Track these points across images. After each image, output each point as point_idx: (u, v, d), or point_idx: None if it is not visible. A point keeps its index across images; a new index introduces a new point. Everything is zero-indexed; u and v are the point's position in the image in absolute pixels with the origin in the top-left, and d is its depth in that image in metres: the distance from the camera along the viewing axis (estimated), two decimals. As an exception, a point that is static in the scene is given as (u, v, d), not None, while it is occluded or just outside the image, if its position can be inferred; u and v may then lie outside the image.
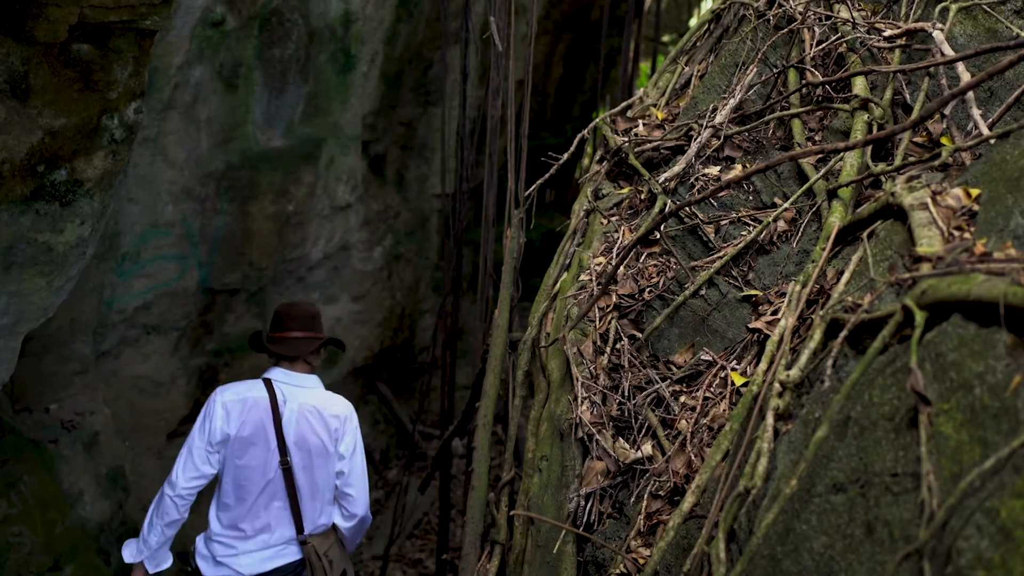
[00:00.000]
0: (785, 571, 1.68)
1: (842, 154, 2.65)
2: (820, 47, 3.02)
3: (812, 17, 3.11)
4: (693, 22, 8.95)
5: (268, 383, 3.24)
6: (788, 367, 2.04)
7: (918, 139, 2.67)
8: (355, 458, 3.29)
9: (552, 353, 2.89)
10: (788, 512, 1.73)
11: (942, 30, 2.69)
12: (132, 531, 4.00)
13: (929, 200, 2.01)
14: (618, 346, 2.70)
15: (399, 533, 5.58)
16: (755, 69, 3.09)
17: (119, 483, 4.35)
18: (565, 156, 3.47)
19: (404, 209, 6.53)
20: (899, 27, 2.91)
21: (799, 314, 2.23)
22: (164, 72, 4.24)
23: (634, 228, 3.04)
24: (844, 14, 3.07)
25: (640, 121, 3.47)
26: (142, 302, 4.71)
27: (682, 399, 2.51)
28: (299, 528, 3.23)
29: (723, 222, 2.83)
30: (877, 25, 3.00)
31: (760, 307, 2.55)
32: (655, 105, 3.58)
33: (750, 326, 2.51)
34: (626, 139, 3.30)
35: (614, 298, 2.81)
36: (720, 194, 2.86)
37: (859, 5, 3.15)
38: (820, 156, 2.74)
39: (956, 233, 1.91)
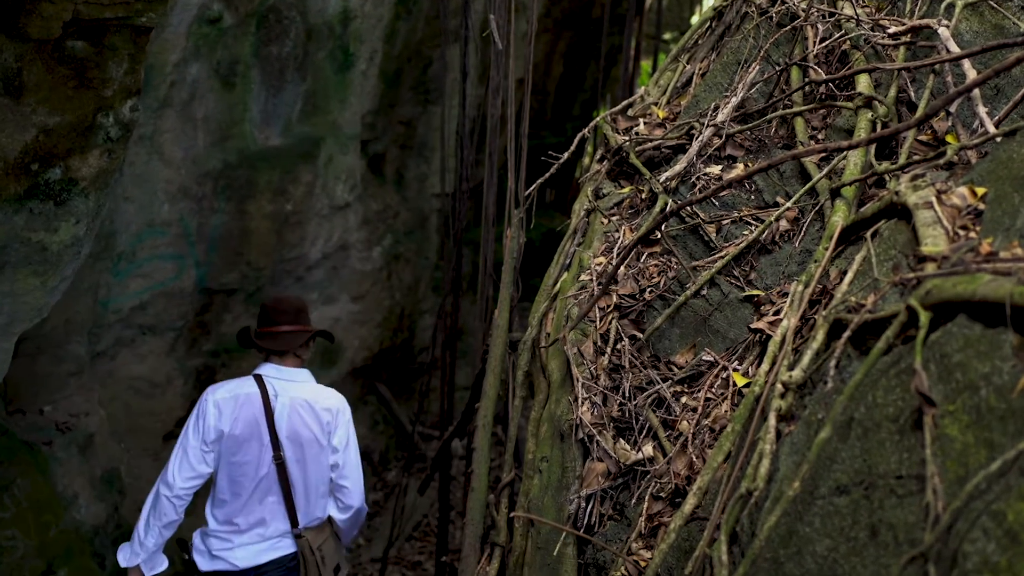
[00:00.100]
0: (788, 574, 1.67)
1: (845, 153, 2.63)
2: (823, 44, 3.01)
3: (815, 14, 3.09)
4: (695, 20, 8.95)
5: (259, 379, 3.27)
6: (790, 368, 2.04)
7: (923, 137, 2.66)
8: (348, 450, 3.32)
9: (552, 353, 2.89)
10: (791, 514, 1.72)
11: (947, 27, 2.68)
12: (127, 534, 3.98)
13: (934, 199, 2.00)
14: (619, 346, 2.70)
15: (398, 535, 5.57)
16: (757, 67, 3.08)
17: (114, 485, 4.34)
18: (565, 155, 3.48)
19: (403, 209, 6.52)
20: (904, 24, 2.90)
21: (801, 314, 2.23)
22: (160, 70, 4.23)
23: (635, 228, 3.03)
24: (848, 11, 3.05)
25: (641, 120, 3.46)
26: (138, 302, 4.70)
27: (683, 400, 2.51)
28: (293, 522, 3.25)
29: (725, 221, 2.82)
30: (881, 22, 2.98)
31: (762, 307, 2.54)
32: (656, 104, 3.57)
33: (752, 326, 2.50)
34: (627, 138, 3.29)
35: (615, 298, 2.80)
36: (722, 193, 2.86)
37: (863, 2, 3.14)
38: (823, 155, 2.73)
39: (961, 232, 1.90)
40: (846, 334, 1.86)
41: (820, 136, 2.91)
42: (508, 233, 3.75)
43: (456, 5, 5.64)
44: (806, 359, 1.97)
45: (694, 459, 2.33)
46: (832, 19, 3.07)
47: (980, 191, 1.97)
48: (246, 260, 5.20)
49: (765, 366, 2.15)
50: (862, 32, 2.96)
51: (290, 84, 5.07)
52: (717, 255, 2.75)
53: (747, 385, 2.37)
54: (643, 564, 2.22)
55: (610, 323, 2.76)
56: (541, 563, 2.48)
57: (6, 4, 2.51)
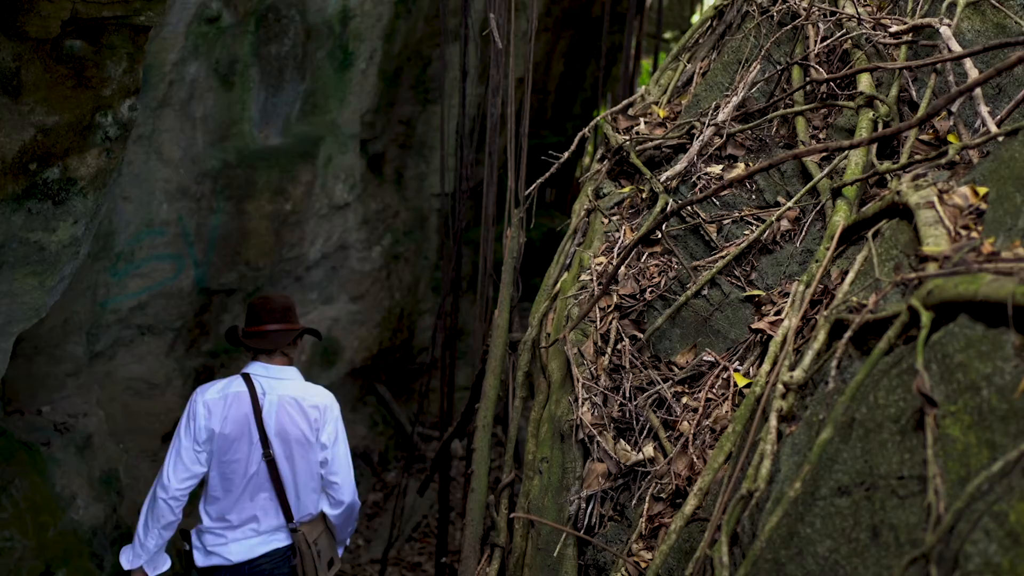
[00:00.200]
0: (789, 575, 1.66)
1: (847, 152, 2.63)
2: (824, 44, 3.00)
3: (816, 13, 3.09)
4: (695, 19, 8.94)
5: (247, 378, 3.31)
6: (792, 368, 2.04)
7: (924, 137, 2.65)
8: (337, 446, 3.34)
9: (552, 354, 2.88)
10: (792, 515, 1.72)
11: (949, 26, 2.67)
12: (126, 535, 3.99)
13: (935, 199, 2.00)
14: (619, 347, 2.69)
15: (398, 536, 5.56)
16: (758, 66, 3.07)
17: (113, 486, 4.33)
18: (566, 155, 3.48)
19: (403, 208, 6.51)
20: (905, 23, 2.89)
21: (803, 314, 2.22)
22: (159, 69, 4.22)
23: (635, 227, 3.02)
24: (849, 10, 3.05)
25: (642, 119, 3.45)
26: (137, 302, 4.69)
27: (684, 400, 2.50)
28: (288, 517, 3.30)
29: (725, 221, 2.81)
30: (883, 21, 2.97)
31: (763, 307, 2.54)
32: (657, 103, 3.56)
33: (753, 327, 2.50)
34: (627, 137, 3.29)
35: (615, 298, 2.80)
36: (722, 193, 2.85)
37: (864, 1, 3.13)
38: (824, 154, 2.72)
39: (963, 232, 1.90)
40: (847, 334, 1.86)
41: (821, 135, 2.90)
42: (508, 233, 3.74)
43: (456, 4, 5.63)
44: (807, 359, 1.98)
45: (695, 460, 2.33)
46: (833, 18, 3.06)
47: (982, 191, 1.97)
48: (245, 260, 5.19)
49: (766, 366, 2.15)
50: (863, 31, 2.96)
51: (289, 83, 5.06)
52: (718, 255, 2.74)
53: (748, 385, 2.37)
54: (644, 565, 2.22)
55: (610, 323, 2.75)
56: (541, 564, 2.48)
57: (4, 3, 2.50)
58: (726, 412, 2.38)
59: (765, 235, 2.67)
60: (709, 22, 3.74)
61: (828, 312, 2.04)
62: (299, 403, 3.29)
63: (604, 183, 3.33)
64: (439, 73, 5.74)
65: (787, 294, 2.48)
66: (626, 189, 3.24)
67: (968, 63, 2.55)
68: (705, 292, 2.67)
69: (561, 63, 8.03)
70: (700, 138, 2.99)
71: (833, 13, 3.08)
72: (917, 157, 2.42)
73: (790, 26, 3.12)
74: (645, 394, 2.55)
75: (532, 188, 3.52)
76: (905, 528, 1.48)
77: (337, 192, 5.66)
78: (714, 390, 2.48)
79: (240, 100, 4.82)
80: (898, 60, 2.85)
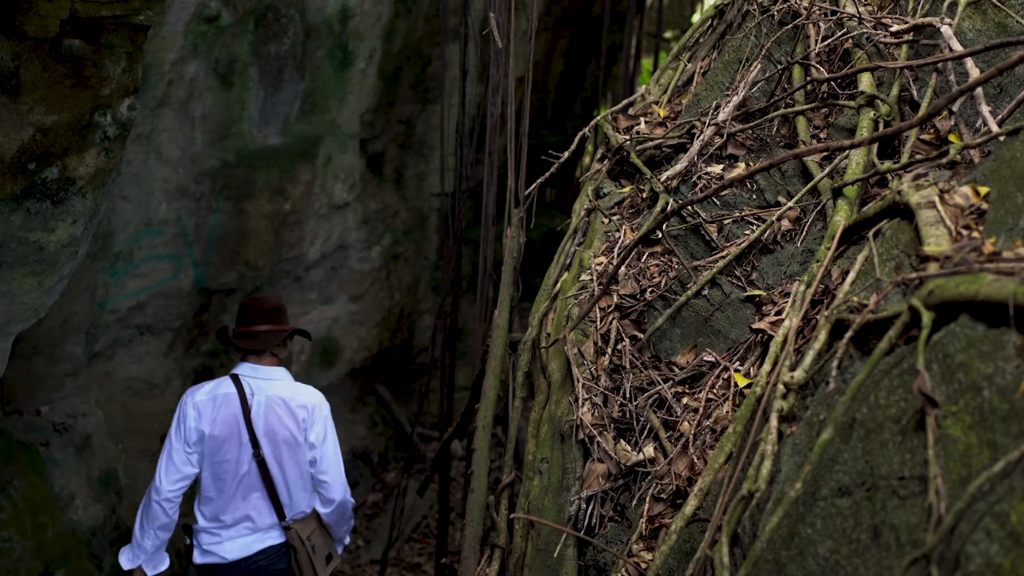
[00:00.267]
0: (790, 577, 1.66)
1: (847, 152, 2.62)
2: (825, 43, 3.00)
3: (817, 12, 3.08)
4: (696, 18, 8.94)
5: (236, 379, 3.34)
6: (792, 368, 2.04)
7: (925, 136, 2.65)
8: (326, 445, 3.37)
9: (553, 354, 2.88)
10: (793, 516, 1.72)
11: (950, 25, 2.67)
12: (125, 535, 3.99)
13: (936, 198, 2.00)
14: (619, 347, 2.69)
15: (397, 537, 5.55)
16: (759, 65, 3.06)
17: (112, 486, 4.33)
18: (566, 154, 3.48)
19: (403, 208, 6.50)
20: (906, 22, 2.88)
21: (803, 314, 2.22)
22: (158, 68, 4.21)
23: (636, 227, 3.02)
24: (850, 9, 3.04)
25: (642, 119, 3.45)
26: (136, 302, 4.68)
27: (684, 401, 2.50)
28: (280, 515, 3.35)
29: (726, 221, 2.80)
30: (884, 20, 2.97)
31: (764, 307, 2.53)
32: (657, 102, 3.56)
33: (753, 327, 2.50)
34: (628, 137, 3.28)
35: (615, 298, 2.79)
36: (723, 193, 2.84)
37: (865, 0, 3.12)
38: (825, 154, 2.72)
39: (964, 232, 1.90)
40: (848, 334, 1.86)
41: (822, 135, 2.89)
42: (508, 233, 3.74)
43: (456, 3, 5.62)
44: (808, 360, 1.97)
45: (695, 460, 2.32)
46: (834, 17, 3.06)
47: (983, 190, 1.97)
48: (244, 260, 5.18)
49: (767, 367, 2.15)
50: (864, 30, 2.95)
51: (288, 83, 5.05)
52: (718, 255, 2.74)
53: (749, 386, 2.37)
54: (644, 566, 2.22)
55: (611, 323, 2.75)
56: (541, 565, 2.47)
57: (3, 2, 2.49)
58: (727, 412, 2.37)
59: (766, 235, 2.67)
60: (710, 21, 3.74)
61: (829, 312, 2.04)
62: (287, 403, 3.32)
63: (604, 183, 3.33)
64: (439, 72, 5.74)
65: (788, 294, 2.48)
66: (626, 189, 3.23)
67: (969, 62, 2.55)
68: (706, 292, 2.66)
69: (561, 62, 8.02)
70: (701, 138, 2.98)
71: (834, 12, 3.07)
72: (918, 157, 2.42)
73: (791, 25, 3.12)
74: (645, 394, 2.55)
75: (532, 188, 3.52)
76: (906, 529, 1.47)
77: (337, 192, 5.65)
78: (715, 390, 2.47)
79: (239, 99, 4.81)
80: (899, 59, 2.84)
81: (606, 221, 3.14)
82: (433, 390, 6.00)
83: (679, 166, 2.97)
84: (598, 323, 2.77)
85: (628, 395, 2.56)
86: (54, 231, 2.93)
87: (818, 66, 2.97)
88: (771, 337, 2.36)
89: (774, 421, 1.90)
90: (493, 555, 2.75)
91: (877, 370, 1.71)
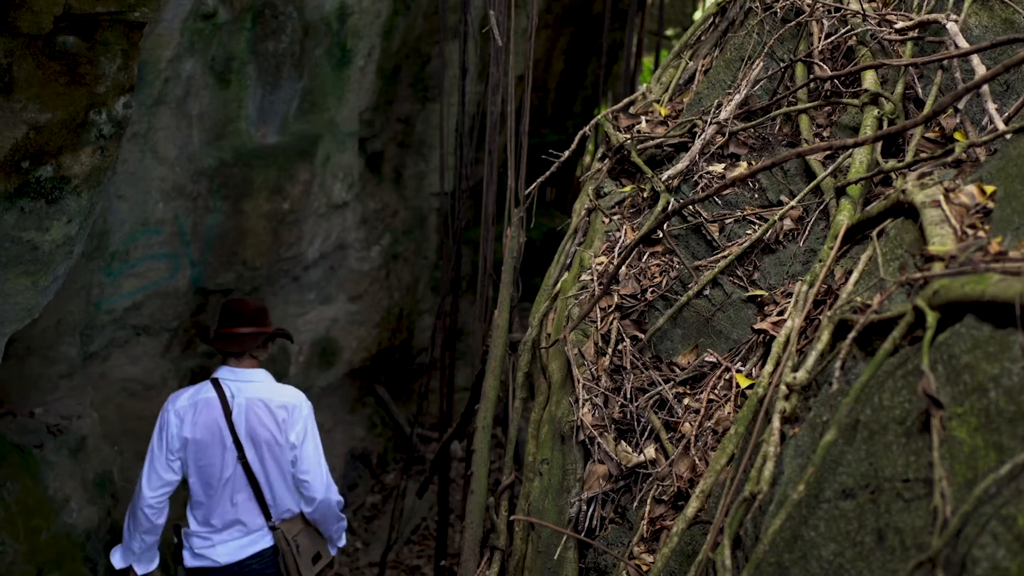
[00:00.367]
0: (793, 581, 1.64)
1: (851, 150, 2.61)
2: (829, 40, 2.98)
3: (820, 9, 3.07)
4: (697, 15, 8.91)
5: (216, 382, 3.37)
6: (795, 369, 2.04)
7: (930, 135, 2.63)
8: (306, 445, 3.39)
9: (553, 354, 2.87)
10: (795, 518, 1.71)
11: (956, 21, 2.65)
12: (120, 537, 3.98)
13: (941, 197, 1.99)
14: (620, 347, 2.68)
15: (396, 539, 5.54)
16: (761, 63, 3.05)
17: (107, 489, 4.32)
18: (566, 153, 3.48)
19: (402, 208, 6.49)
20: (911, 19, 2.87)
21: (806, 315, 2.21)
22: (154, 66, 4.19)
23: (636, 227, 3.01)
24: (854, 6, 3.02)
25: (643, 117, 3.44)
26: (132, 302, 4.66)
27: (686, 401, 2.49)
28: (267, 516, 3.38)
29: (728, 221, 2.79)
30: (888, 17, 2.95)
31: (766, 307, 2.52)
32: (658, 101, 3.55)
33: (755, 327, 2.49)
34: (628, 136, 3.27)
35: (616, 298, 2.78)
36: (725, 192, 2.83)
37: (868, -4, 3.10)
38: (828, 152, 2.70)
39: (970, 231, 1.89)
40: (851, 335, 1.85)
41: (825, 133, 2.88)
42: (508, 232, 3.73)
43: (455, 1, 5.60)
44: (811, 360, 1.96)
45: (697, 462, 2.31)
46: (838, 14, 3.04)
47: (989, 189, 1.96)
48: (242, 260, 5.16)
49: (769, 367, 2.15)
50: (868, 27, 2.93)
51: (287, 81, 5.03)
52: (720, 254, 2.73)
53: (751, 386, 2.36)
54: (645, 568, 2.21)
55: (611, 323, 2.73)
56: (542, 567, 2.47)
57: (-4, -1, 2.47)
58: (728, 413, 2.36)
59: (768, 234, 2.65)
60: (711, 19, 3.72)
61: (832, 312, 2.02)
62: (266, 404, 3.34)
63: (605, 182, 3.32)
64: (438, 71, 5.72)
65: (790, 294, 2.47)
66: (627, 188, 3.22)
67: (975, 59, 2.53)
68: (707, 292, 2.65)
69: (562, 61, 8.01)
70: (702, 136, 2.96)
71: (837, 9, 3.06)
72: (923, 155, 2.41)
73: (794, 23, 3.10)
74: (646, 395, 2.54)
75: (532, 187, 3.51)
76: (911, 532, 1.46)
77: (335, 191, 5.63)
78: (716, 391, 2.46)
79: (237, 98, 4.79)
80: (903, 57, 2.82)
81: (607, 221, 3.12)
82: (433, 391, 6.00)
83: (680, 165, 2.95)
84: (598, 323, 2.75)
85: (629, 396, 2.55)
86: (48, 230, 2.92)
87: (821, 64, 2.96)
88: (773, 337, 2.36)
89: (776, 422, 1.89)
90: (493, 557, 2.75)
91: (881, 371, 1.70)
